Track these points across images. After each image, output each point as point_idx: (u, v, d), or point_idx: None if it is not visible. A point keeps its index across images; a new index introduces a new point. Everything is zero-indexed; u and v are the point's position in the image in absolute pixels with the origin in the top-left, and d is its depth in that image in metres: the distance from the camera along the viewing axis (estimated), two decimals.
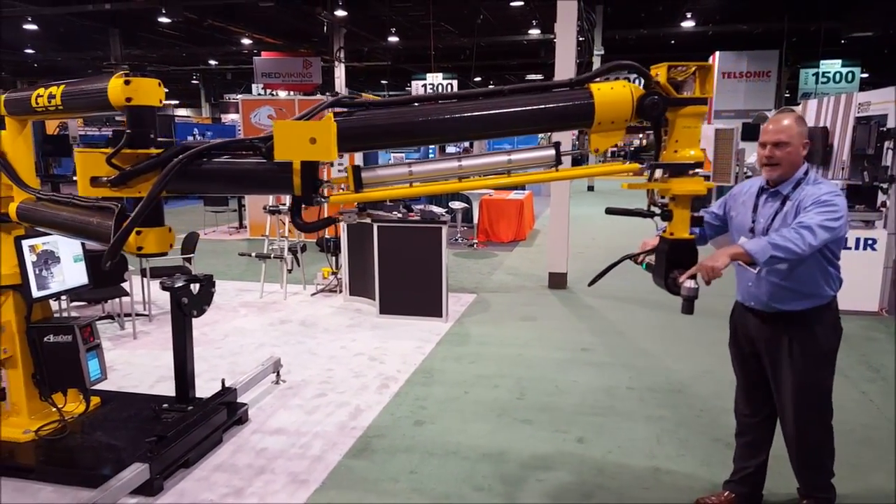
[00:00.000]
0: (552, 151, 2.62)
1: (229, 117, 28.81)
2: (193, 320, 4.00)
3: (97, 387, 3.88)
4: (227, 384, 4.21)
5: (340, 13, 18.97)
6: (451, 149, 16.56)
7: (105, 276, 5.79)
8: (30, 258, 3.66)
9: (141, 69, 21.78)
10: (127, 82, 2.84)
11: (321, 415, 4.38)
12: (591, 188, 21.48)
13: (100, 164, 2.77)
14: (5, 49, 24.09)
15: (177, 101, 43.47)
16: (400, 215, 7.29)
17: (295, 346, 5.81)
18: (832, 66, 20.04)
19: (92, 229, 3.04)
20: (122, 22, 20.87)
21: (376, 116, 2.63)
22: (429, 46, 18.64)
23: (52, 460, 3.55)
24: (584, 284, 3.33)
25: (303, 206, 2.72)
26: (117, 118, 17.92)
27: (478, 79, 32.37)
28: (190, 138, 17.02)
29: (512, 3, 18.12)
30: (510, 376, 5.07)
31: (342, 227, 7.20)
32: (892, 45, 21.39)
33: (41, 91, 3.23)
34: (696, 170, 2.47)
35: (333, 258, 7.74)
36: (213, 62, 30.04)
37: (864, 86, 19.66)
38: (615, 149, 33.22)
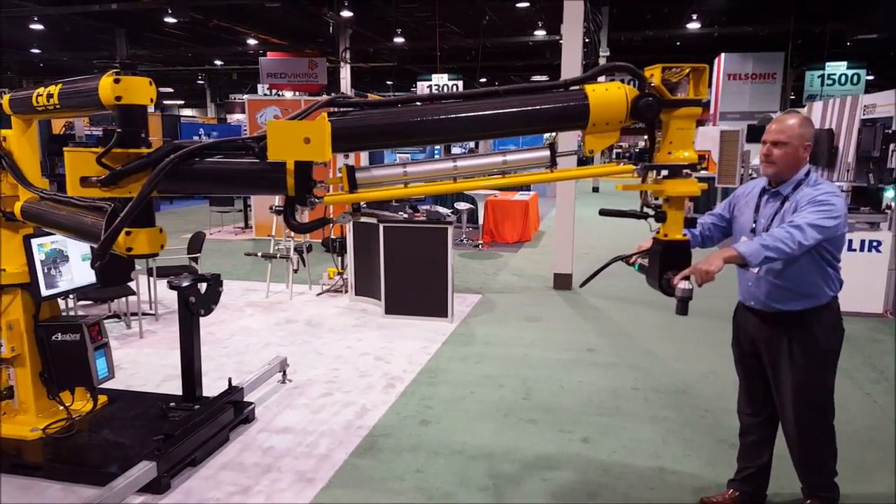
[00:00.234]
0: (547, 152, 2.62)
1: (235, 117, 28.87)
2: (199, 319, 4.02)
3: (104, 385, 3.91)
4: (233, 383, 4.23)
5: (346, 14, 18.99)
6: (456, 149, 16.53)
7: (112, 276, 5.83)
8: (38, 256, 3.69)
9: (132, 67, 21.63)
10: (117, 81, 2.78)
11: (327, 414, 4.39)
12: (595, 189, 21.44)
13: (90, 163, 2.71)
14: (11, 48, 24.22)
15: (182, 102, 43.60)
16: (406, 216, 7.30)
17: (301, 346, 5.83)
18: (838, 68, 20.02)
19: (86, 229, 3.01)
20: (127, 22, 20.97)
21: (371, 116, 2.62)
22: (434, 47, 18.61)
23: (60, 458, 3.57)
24: (590, 285, 3.33)
25: (298, 207, 2.71)
26: None
27: (483, 80, 32.31)
28: (195, 138, 17.05)
29: (518, 5, 18.10)
30: (515, 376, 5.08)
31: (348, 227, 7.22)
32: None
33: (41, 90, 3.24)
34: (688, 171, 2.46)
35: (339, 258, 7.75)
36: (218, 62, 30.12)
37: (870, 88, 19.57)
38: (620, 150, 33.21)
